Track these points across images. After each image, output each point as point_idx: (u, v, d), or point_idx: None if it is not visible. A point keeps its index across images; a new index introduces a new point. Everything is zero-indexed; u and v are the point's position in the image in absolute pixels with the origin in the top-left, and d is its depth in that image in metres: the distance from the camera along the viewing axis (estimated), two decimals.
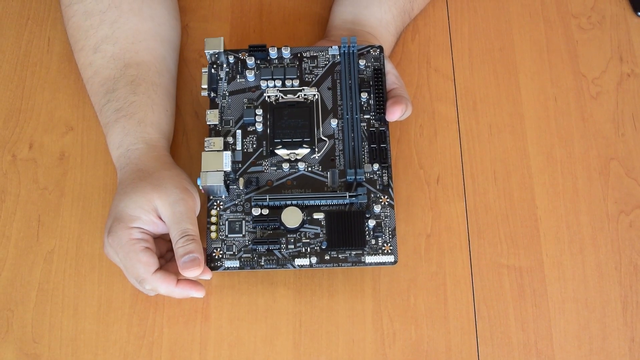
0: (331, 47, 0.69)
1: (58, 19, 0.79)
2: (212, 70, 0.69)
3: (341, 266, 0.63)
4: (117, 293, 0.68)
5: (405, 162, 0.72)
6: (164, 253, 0.66)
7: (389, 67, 0.69)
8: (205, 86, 0.68)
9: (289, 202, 0.64)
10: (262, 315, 0.67)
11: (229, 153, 0.63)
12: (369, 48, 0.69)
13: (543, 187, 0.72)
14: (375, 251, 0.63)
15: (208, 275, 0.62)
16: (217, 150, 0.64)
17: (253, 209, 0.63)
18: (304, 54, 0.70)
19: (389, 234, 0.63)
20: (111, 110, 0.68)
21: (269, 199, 0.64)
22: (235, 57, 0.70)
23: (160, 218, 0.62)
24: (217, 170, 0.63)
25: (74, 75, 0.76)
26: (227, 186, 0.65)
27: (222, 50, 0.68)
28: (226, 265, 0.63)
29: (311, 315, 0.67)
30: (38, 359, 0.66)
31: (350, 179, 0.64)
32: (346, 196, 0.64)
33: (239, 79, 0.69)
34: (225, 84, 0.69)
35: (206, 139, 0.64)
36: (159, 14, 0.72)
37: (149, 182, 0.63)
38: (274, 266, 0.63)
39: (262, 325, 0.67)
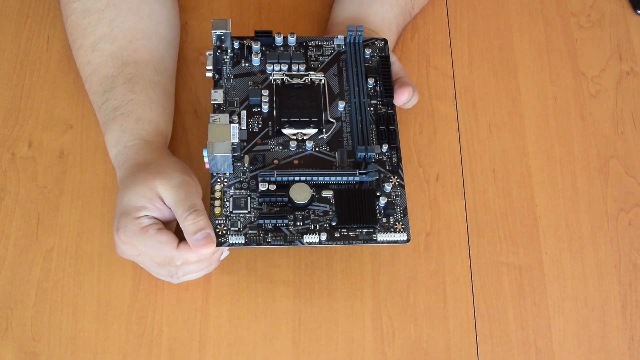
0: (337, 37, 0.70)
1: (57, 17, 0.79)
2: (217, 53, 0.68)
3: (352, 244, 0.61)
4: (117, 291, 0.68)
5: (405, 161, 0.72)
6: None
7: (393, 59, 0.70)
8: (210, 67, 0.67)
9: (297, 179, 0.62)
10: (262, 313, 0.67)
11: (236, 125, 0.62)
12: (373, 40, 0.70)
13: (542, 186, 0.72)
14: (387, 229, 0.61)
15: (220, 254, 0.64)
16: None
17: (260, 184, 0.62)
18: (310, 43, 0.70)
19: (401, 213, 0.62)
20: (109, 108, 0.68)
21: (277, 174, 0.62)
22: (240, 42, 0.69)
23: (165, 204, 0.61)
24: (225, 141, 0.60)
25: (73, 73, 0.76)
26: (232, 162, 0.63)
27: (229, 31, 0.67)
28: (231, 242, 0.60)
29: (310, 313, 0.67)
30: (37, 358, 0.65)
31: (360, 155, 0.63)
32: (356, 173, 0.63)
33: (244, 63, 0.68)
34: (230, 67, 0.68)
35: (211, 114, 0.62)
36: (158, 12, 0.72)
37: (148, 172, 0.62)
38: (281, 243, 0.60)
39: (262, 323, 0.67)
